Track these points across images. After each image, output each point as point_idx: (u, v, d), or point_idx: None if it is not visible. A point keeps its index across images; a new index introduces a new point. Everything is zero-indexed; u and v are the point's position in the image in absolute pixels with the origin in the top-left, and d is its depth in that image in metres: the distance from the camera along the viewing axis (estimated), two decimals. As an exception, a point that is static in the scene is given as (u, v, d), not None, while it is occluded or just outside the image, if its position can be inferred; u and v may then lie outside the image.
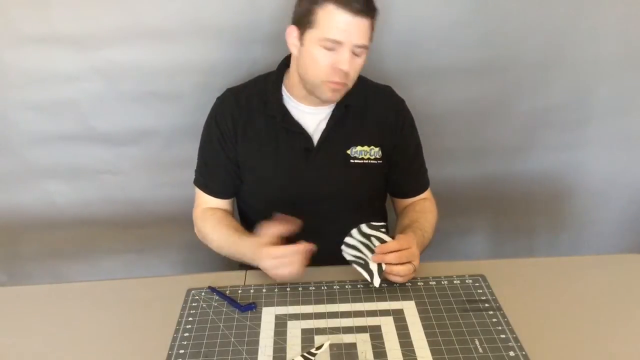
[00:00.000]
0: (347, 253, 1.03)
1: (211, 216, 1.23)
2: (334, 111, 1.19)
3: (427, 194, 1.30)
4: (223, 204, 1.26)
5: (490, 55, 1.47)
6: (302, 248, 1.00)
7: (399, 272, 1.01)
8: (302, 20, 1.09)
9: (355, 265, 1.01)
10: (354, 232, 1.05)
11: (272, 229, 1.04)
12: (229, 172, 1.23)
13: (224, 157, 1.22)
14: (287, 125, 1.18)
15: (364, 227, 1.05)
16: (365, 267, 0.99)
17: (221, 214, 1.24)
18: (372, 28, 1.09)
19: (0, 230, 1.64)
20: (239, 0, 1.34)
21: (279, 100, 1.20)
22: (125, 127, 1.48)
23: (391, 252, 1.01)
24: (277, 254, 1.00)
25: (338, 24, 1.04)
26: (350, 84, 1.13)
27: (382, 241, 1.02)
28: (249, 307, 0.99)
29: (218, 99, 1.24)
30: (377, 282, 0.99)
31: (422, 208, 1.25)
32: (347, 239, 1.05)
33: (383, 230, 1.05)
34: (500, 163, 1.66)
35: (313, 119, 1.20)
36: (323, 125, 1.19)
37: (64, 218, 1.62)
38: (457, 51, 1.45)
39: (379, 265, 0.97)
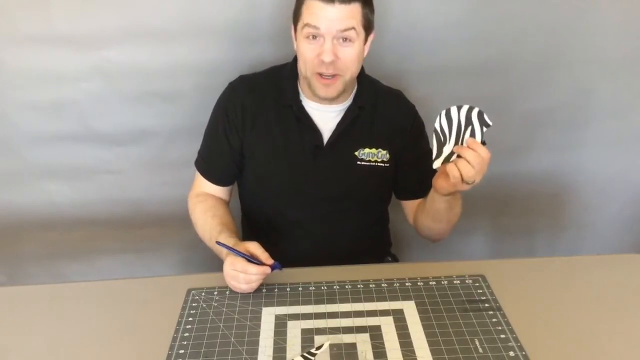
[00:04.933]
0: (439, 122, 0.95)
1: (202, 202, 1.22)
2: (346, 111, 1.18)
3: None
4: (220, 191, 1.25)
5: (490, 55, 1.47)
6: (266, 272, 1.00)
7: (462, 171, 0.95)
8: (295, 17, 1.12)
9: (434, 136, 0.95)
10: (464, 108, 0.96)
11: (250, 247, 1.04)
12: (231, 160, 1.22)
13: (227, 145, 1.21)
14: (301, 117, 1.17)
15: (474, 112, 0.96)
16: (440, 144, 0.94)
17: (212, 201, 1.23)
18: (365, 12, 1.08)
19: (0, 230, 1.64)
20: (238, 0, 1.34)
21: (295, 90, 1.19)
22: (125, 127, 1.48)
23: (472, 150, 0.96)
24: (237, 268, 1.00)
25: (314, 11, 1.05)
26: (346, 76, 1.10)
27: (475, 136, 0.97)
28: (275, 266, 1.02)
29: (229, 84, 1.23)
30: (436, 165, 0.95)
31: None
32: (452, 110, 0.96)
33: (485, 130, 0.98)
34: (500, 163, 1.64)
35: (324, 116, 1.19)
36: (333, 125, 1.18)
37: (64, 218, 1.62)
38: (457, 51, 1.45)
39: (451, 152, 0.93)
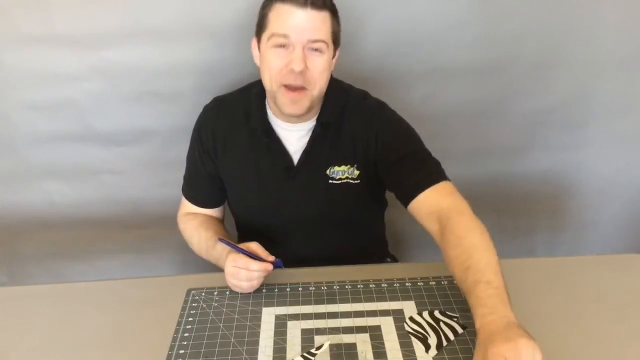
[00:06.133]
0: (408, 327, 0.94)
1: (192, 220, 1.23)
2: (314, 129, 1.14)
3: (443, 190, 1.04)
4: (209, 212, 1.26)
5: (490, 55, 1.47)
6: (267, 269, 1.00)
7: None
8: (258, 28, 1.07)
9: (412, 337, 0.92)
10: (425, 313, 0.97)
11: (252, 246, 1.03)
12: (211, 184, 1.23)
13: (204, 170, 1.21)
14: (268, 140, 1.14)
15: (436, 312, 0.97)
16: (423, 340, 0.91)
17: (203, 217, 1.23)
18: (334, 24, 1.05)
19: (0, 230, 1.64)
20: (238, 1, 1.34)
21: (263, 112, 1.16)
22: (125, 127, 1.48)
23: None
24: (239, 264, 1.00)
25: (285, 19, 1.00)
26: (314, 90, 1.05)
27: (452, 328, 0.93)
28: (277, 264, 1.02)
29: (204, 108, 1.23)
30: (432, 353, 0.89)
31: (458, 241, 0.93)
32: (415, 316, 0.96)
33: (455, 319, 0.96)
34: (500, 163, 1.66)
35: (293, 136, 1.15)
36: (303, 144, 1.15)
37: (64, 218, 1.62)
38: (457, 51, 1.45)
39: (439, 339, 0.91)
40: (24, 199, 1.59)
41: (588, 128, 1.61)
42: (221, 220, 1.29)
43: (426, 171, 1.08)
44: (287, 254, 1.18)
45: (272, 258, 1.02)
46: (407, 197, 1.07)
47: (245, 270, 0.99)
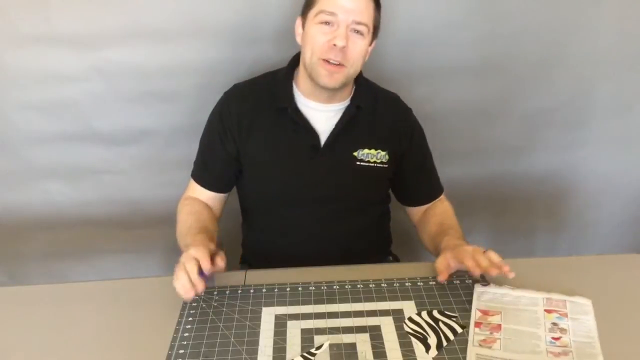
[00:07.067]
0: (408, 327, 0.94)
1: (188, 205, 1.23)
2: (345, 111, 1.18)
3: (439, 199, 1.32)
4: (212, 197, 1.25)
5: (491, 55, 1.47)
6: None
7: (490, 260, 0.99)
8: (306, 6, 1.13)
9: (412, 338, 0.92)
10: (423, 313, 0.97)
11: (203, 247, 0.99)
12: (226, 167, 1.23)
13: (223, 152, 1.21)
14: (296, 118, 1.17)
15: (434, 312, 0.97)
16: (423, 341, 0.91)
17: (198, 206, 1.22)
18: (376, 13, 1.12)
19: (0, 230, 1.64)
20: (238, 0, 1.34)
21: (290, 92, 1.19)
22: (125, 127, 1.49)
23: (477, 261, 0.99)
24: (179, 276, 0.96)
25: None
26: (350, 69, 1.11)
27: (451, 328, 0.94)
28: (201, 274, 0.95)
29: (225, 93, 1.23)
30: (432, 353, 0.89)
31: (442, 210, 1.27)
32: (413, 316, 0.96)
33: (455, 319, 0.95)
34: (500, 163, 1.66)
35: (321, 116, 1.19)
36: (331, 125, 1.18)
37: (64, 218, 1.62)
38: (457, 51, 1.45)
39: (439, 340, 0.91)
40: (24, 199, 1.59)
41: (588, 128, 1.61)
42: (217, 216, 1.26)
43: (432, 187, 1.31)
44: (298, 239, 1.22)
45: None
46: (411, 202, 1.33)
47: (183, 278, 0.96)
